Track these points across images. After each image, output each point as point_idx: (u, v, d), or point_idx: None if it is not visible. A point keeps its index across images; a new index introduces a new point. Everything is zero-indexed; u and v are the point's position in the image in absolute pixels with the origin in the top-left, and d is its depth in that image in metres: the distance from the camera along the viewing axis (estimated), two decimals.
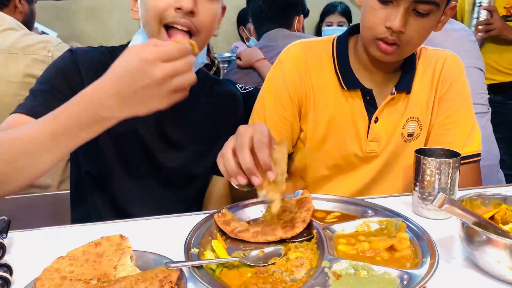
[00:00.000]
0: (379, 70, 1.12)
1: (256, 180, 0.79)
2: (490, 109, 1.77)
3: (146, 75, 0.72)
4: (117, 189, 1.08)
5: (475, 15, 2.35)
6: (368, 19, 1.02)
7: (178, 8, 0.93)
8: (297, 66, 1.14)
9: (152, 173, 1.09)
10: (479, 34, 2.30)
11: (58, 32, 1.74)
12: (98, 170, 1.07)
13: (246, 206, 0.94)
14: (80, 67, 1.01)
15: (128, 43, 1.10)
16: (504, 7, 2.37)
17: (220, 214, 0.87)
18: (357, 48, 1.14)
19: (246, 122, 1.23)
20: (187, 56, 0.76)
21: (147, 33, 1.01)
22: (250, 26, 3.44)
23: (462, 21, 2.44)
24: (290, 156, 1.24)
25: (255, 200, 0.94)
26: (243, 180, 0.81)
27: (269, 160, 0.79)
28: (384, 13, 0.98)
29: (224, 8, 1.08)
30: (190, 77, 0.77)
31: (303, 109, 1.16)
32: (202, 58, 1.08)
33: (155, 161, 1.08)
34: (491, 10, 2.29)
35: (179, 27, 0.95)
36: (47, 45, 1.54)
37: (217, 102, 1.16)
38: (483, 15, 2.31)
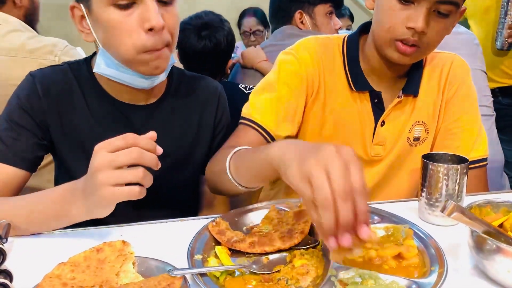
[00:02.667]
0: (388, 73, 1.10)
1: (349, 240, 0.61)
2: (494, 112, 1.76)
3: (93, 176, 0.76)
4: None
5: (506, 17, 2.27)
6: (388, 20, 0.99)
7: (150, 29, 0.88)
8: (312, 57, 1.11)
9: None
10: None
11: (64, 35, 1.71)
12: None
13: (241, 214, 0.91)
14: (40, 93, 0.99)
15: (94, 54, 1.04)
16: None
17: (214, 223, 0.84)
18: (365, 50, 1.12)
19: (233, 117, 1.16)
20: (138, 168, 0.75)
21: (116, 56, 0.93)
22: (242, 37, 3.48)
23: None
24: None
25: (250, 207, 0.92)
26: (334, 244, 0.62)
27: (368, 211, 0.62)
28: (405, 13, 0.97)
29: None
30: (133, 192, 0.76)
31: (310, 99, 1.12)
32: (172, 59, 1.03)
33: None
34: None
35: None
36: (54, 49, 1.52)
37: (197, 99, 1.11)
38: None
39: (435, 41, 1.02)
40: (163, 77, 1.01)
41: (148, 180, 0.76)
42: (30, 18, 1.66)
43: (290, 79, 1.10)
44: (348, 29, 2.97)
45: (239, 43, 3.49)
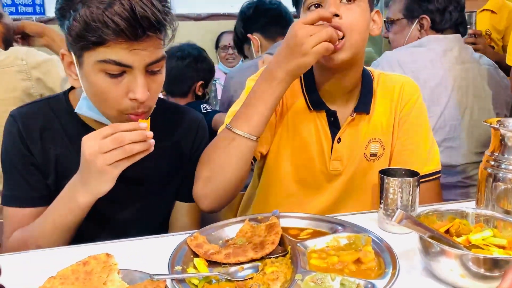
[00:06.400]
0: (339, 91, 1.20)
1: None
2: None
3: (90, 164, 0.89)
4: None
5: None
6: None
7: (133, 99, 0.94)
8: None
9: (109, 209, 1.09)
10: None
11: None
12: None
13: (218, 228, 0.98)
14: (23, 133, 1.05)
15: (71, 88, 1.10)
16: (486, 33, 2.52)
17: (192, 237, 0.92)
18: (316, 72, 1.21)
19: None
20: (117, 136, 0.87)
21: (98, 110, 1.00)
22: (220, 51, 3.66)
23: None
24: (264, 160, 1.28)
25: (226, 222, 1.00)
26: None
27: None
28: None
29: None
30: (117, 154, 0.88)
31: (275, 120, 1.21)
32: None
33: (111, 198, 1.02)
34: (475, 34, 2.36)
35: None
36: (17, 54, 1.57)
37: (177, 130, 1.17)
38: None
39: (357, 26, 1.06)
40: None
41: (141, 146, 0.89)
42: (8, 40, 1.71)
43: None
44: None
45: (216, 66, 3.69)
